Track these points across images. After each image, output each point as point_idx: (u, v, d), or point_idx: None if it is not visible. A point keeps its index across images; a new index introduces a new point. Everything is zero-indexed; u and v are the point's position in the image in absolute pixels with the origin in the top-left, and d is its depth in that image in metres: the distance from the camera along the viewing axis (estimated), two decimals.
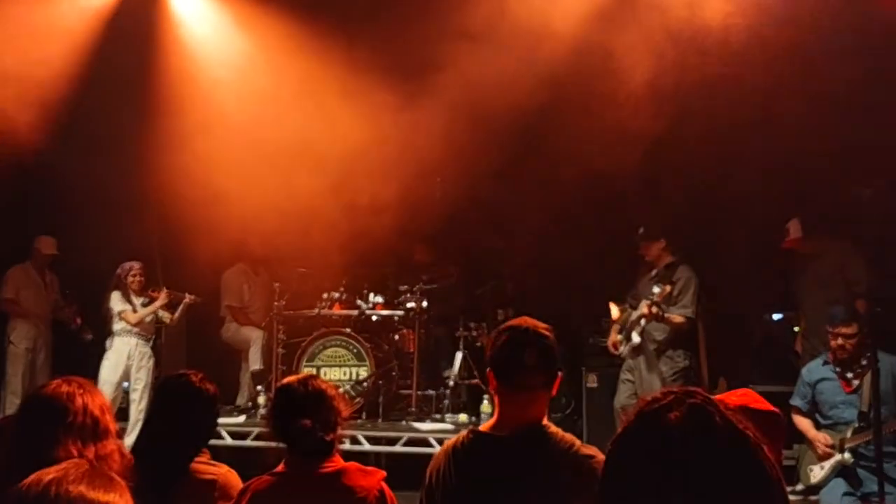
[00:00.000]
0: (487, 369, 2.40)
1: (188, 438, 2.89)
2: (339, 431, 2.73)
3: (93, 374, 6.74)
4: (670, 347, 6.05)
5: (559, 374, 2.37)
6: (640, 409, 1.23)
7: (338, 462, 2.68)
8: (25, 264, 7.43)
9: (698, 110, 6.13)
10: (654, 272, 6.17)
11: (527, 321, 2.40)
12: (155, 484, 2.67)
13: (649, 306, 5.82)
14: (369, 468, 2.72)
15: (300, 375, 2.87)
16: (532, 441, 2.29)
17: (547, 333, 2.35)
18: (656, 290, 5.86)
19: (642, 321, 6.01)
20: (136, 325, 6.93)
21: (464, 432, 2.39)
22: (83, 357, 7.20)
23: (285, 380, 2.89)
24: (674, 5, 5.67)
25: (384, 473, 2.68)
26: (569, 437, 2.34)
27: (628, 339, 6.20)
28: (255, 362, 7.47)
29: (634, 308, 6.15)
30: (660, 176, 6.78)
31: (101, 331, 7.18)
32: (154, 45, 7.03)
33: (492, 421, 2.38)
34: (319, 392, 2.74)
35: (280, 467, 2.70)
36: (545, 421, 2.34)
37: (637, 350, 6.13)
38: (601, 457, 2.30)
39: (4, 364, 7.22)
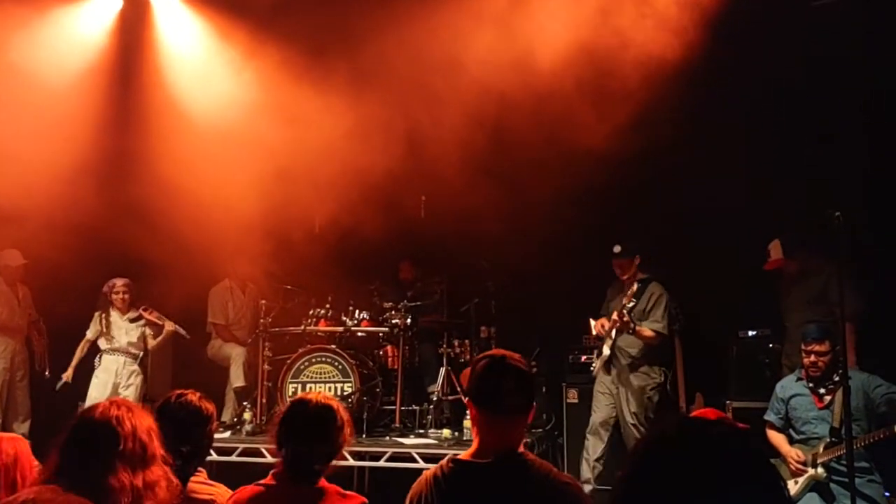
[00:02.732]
0: (466, 399, 2.46)
1: (188, 457, 2.91)
2: (334, 461, 2.77)
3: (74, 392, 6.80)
4: (646, 363, 6.17)
5: (534, 403, 2.45)
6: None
7: (321, 483, 2.73)
8: None
9: (671, 130, 6.27)
10: (626, 289, 6.25)
11: (502, 352, 2.48)
12: None
13: (619, 314, 5.95)
14: (349, 493, 2.76)
15: (320, 396, 2.84)
16: (512, 468, 2.34)
17: (522, 363, 2.44)
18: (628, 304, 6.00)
19: (613, 333, 6.14)
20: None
21: (444, 461, 2.44)
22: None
23: (305, 395, 2.88)
24: None
25: (364, 499, 2.71)
26: (546, 464, 2.41)
27: (600, 352, 6.34)
28: (236, 379, 7.52)
29: None
30: (636, 195, 6.91)
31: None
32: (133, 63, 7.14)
33: (472, 449, 2.43)
34: (331, 422, 2.75)
35: (269, 478, 2.74)
36: (522, 448, 2.41)
37: (608, 363, 6.25)
38: (577, 483, 2.41)
39: None
